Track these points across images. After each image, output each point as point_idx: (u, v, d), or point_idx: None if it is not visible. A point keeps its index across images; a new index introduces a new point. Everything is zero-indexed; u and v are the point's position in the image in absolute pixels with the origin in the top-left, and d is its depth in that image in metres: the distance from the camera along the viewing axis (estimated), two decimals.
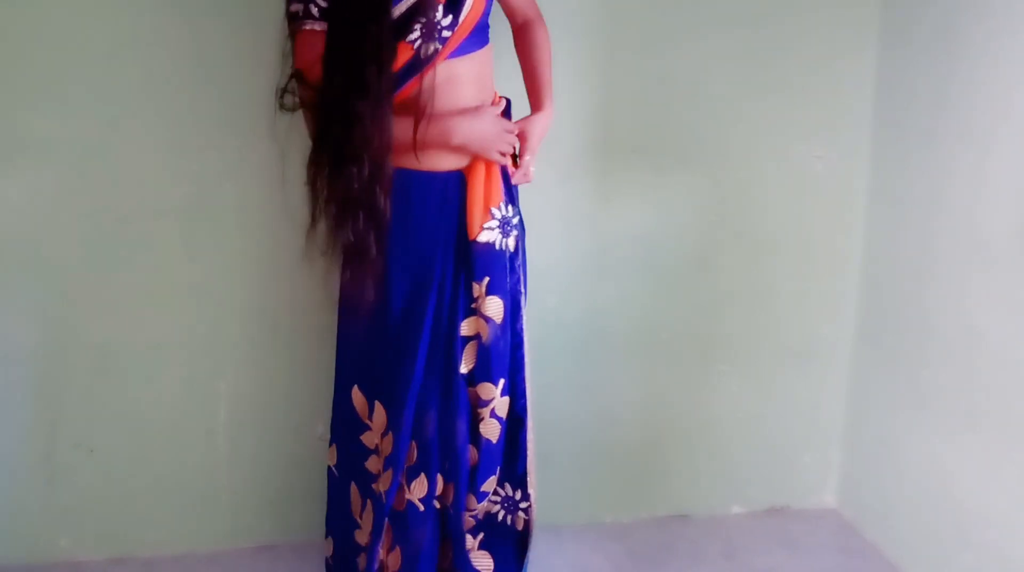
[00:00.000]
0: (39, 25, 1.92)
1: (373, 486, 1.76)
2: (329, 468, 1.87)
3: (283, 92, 1.63)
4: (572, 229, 2.19)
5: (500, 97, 1.76)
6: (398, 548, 1.76)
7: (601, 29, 2.14)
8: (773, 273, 2.35)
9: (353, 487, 1.80)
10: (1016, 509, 1.85)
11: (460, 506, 1.78)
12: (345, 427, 1.80)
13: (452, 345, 1.72)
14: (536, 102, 1.81)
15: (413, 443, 1.72)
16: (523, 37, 1.84)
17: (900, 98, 2.20)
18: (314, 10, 1.56)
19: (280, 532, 2.23)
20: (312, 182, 1.59)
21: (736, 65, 2.22)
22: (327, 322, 2.11)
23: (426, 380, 1.71)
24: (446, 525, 1.79)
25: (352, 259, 1.63)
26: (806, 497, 2.49)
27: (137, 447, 2.14)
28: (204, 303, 2.11)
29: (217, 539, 2.21)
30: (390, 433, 1.72)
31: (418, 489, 1.74)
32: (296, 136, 2.01)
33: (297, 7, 1.57)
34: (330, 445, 1.86)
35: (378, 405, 1.74)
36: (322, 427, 2.20)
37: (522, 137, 1.75)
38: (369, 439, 1.77)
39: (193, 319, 2.11)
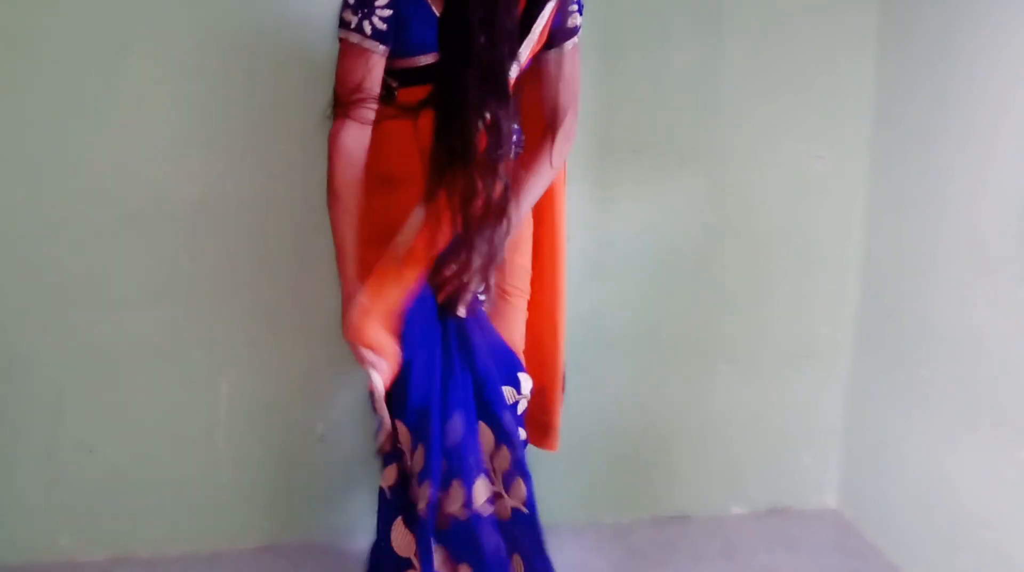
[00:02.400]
0: (43, 24, 1.92)
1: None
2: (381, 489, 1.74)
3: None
4: (572, 229, 2.18)
5: None
6: (466, 564, 1.65)
7: (602, 30, 2.14)
8: (773, 273, 2.35)
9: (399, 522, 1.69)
10: (1016, 509, 1.85)
11: (532, 503, 1.70)
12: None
13: (468, 340, 1.68)
14: None
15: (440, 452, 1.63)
16: (544, 146, 1.73)
17: (900, 98, 2.20)
18: (367, 28, 1.51)
19: (281, 532, 2.23)
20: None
21: (736, 65, 2.23)
22: (327, 322, 2.11)
23: (444, 385, 1.64)
24: (515, 530, 1.69)
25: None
26: (806, 497, 2.49)
27: (137, 447, 2.14)
28: (206, 302, 2.11)
29: (218, 539, 2.20)
30: (420, 446, 1.63)
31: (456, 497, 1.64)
32: (297, 136, 2.02)
33: (350, 16, 1.51)
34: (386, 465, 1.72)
35: (399, 424, 1.66)
36: (322, 427, 2.20)
37: None
38: (406, 465, 1.69)
39: (195, 318, 2.11)
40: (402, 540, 1.65)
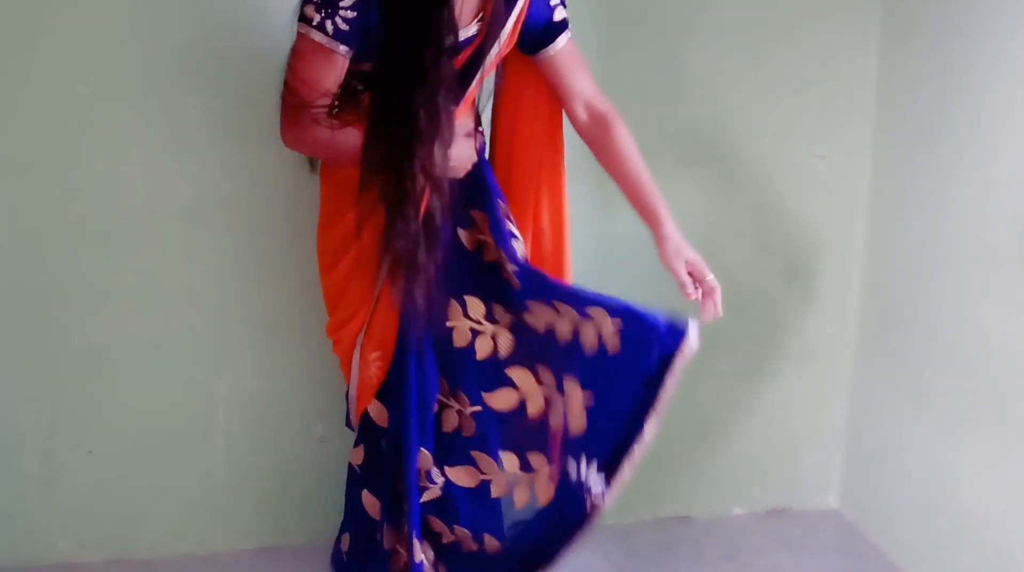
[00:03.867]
0: (40, 23, 1.91)
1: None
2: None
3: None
4: (573, 230, 2.17)
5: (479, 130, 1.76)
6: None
7: (602, 29, 2.14)
8: (775, 273, 2.35)
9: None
10: (1018, 510, 1.85)
11: None
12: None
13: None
14: (657, 220, 1.75)
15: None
16: (613, 137, 1.73)
17: (902, 98, 2.20)
18: (329, 27, 1.47)
19: (279, 534, 2.22)
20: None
21: (737, 65, 2.22)
22: (326, 323, 2.10)
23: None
24: None
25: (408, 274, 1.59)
26: (808, 498, 2.48)
27: (135, 448, 2.13)
28: (204, 303, 2.10)
29: (216, 541, 2.20)
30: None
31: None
32: None
33: (313, 13, 1.47)
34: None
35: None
36: (321, 428, 2.20)
37: (695, 271, 1.70)
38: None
39: (192, 319, 2.10)
40: (371, 504, 1.75)
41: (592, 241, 2.23)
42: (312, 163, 1.76)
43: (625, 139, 1.73)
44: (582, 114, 1.74)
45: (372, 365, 1.69)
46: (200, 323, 2.10)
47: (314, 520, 2.21)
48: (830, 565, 2.23)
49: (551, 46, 1.68)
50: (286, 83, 1.54)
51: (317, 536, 2.21)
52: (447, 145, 1.50)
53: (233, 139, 2.03)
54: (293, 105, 1.53)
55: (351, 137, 1.53)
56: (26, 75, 1.93)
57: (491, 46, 1.60)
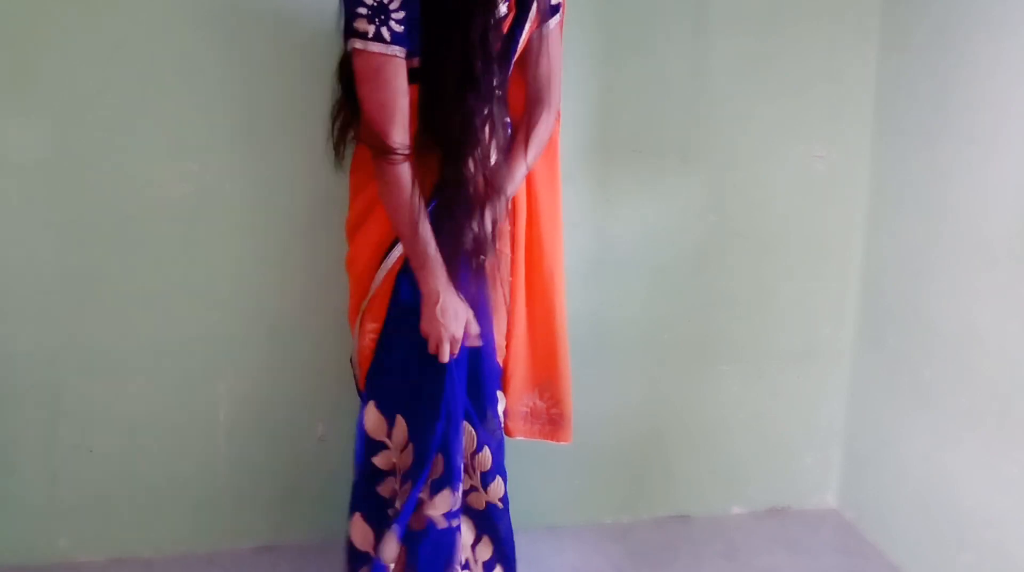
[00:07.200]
0: (41, 24, 1.92)
1: (389, 512, 1.67)
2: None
3: (341, 132, 1.63)
4: (573, 230, 2.18)
5: None
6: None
7: (602, 29, 2.14)
8: (774, 273, 2.35)
9: (358, 517, 1.70)
10: (1016, 509, 1.85)
11: (506, 499, 1.76)
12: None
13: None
14: None
15: (439, 456, 1.64)
16: (529, 118, 1.69)
17: (901, 98, 2.20)
18: (386, 33, 1.42)
19: (280, 533, 2.23)
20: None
21: (737, 65, 2.22)
22: (327, 322, 2.11)
23: (451, 390, 1.65)
24: (491, 518, 1.76)
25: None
26: (807, 497, 2.49)
27: (136, 447, 2.13)
28: (204, 303, 2.10)
29: (217, 540, 2.20)
30: (410, 445, 1.65)
31: (442, 504, 1.66)
32: (297, 135, 2.01)
33: (366, 26, 1.42)
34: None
35: (399, 419, 1.66)
36: (321, 427, 2.20)
37: None
38: (385, 460, 1.68)
39: (193, 319, 2.10)
40: (361, 534, 1.68)
41: (592, 241, 2.23)
42: (337, 157, 1.73)
43: (536, 126, 1.69)
44: (531, 95, 1.71)
45: (367, 335, 1.68)
46: (201, 323, 2.11)
47: (315, 519, 2.21)
48: (829, 564, 2.23)
49: (541, 27, 1.65)
50: (368, 121, 1.49)
51: (318, 535, 2.21)
52: (501, 148, 1.52)
53: (235, 140, 2.03)
54: (381, 146, 1.49)
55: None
56: (29, 77, 1.93)
57: (524, 20, 1.58)
